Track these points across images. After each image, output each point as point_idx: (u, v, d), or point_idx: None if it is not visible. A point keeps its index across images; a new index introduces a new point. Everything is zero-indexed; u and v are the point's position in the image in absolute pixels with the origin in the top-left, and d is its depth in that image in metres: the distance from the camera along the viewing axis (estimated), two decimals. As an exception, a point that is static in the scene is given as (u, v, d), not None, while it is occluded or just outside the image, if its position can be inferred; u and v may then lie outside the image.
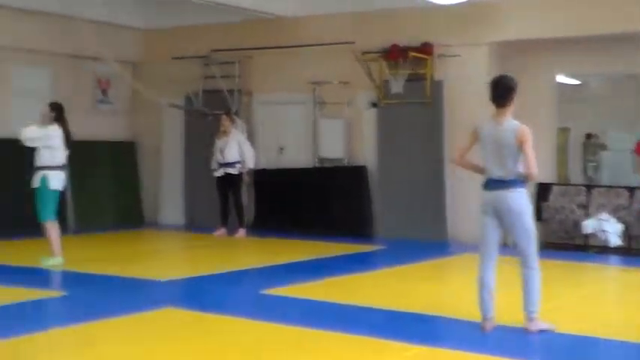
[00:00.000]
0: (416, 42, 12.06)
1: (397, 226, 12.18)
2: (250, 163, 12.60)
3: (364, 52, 12.31)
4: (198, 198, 13.76)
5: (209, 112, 13.46)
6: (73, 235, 12.27)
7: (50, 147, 9.23)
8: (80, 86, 13.75)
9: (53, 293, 7.82)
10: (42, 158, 9.25)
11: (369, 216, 12.51)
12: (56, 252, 9.33)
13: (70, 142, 9.46)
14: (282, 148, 13.53)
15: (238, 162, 12.53)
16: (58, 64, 13.39)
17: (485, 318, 6.34)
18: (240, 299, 7.76)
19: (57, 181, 9.29)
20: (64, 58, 13.43)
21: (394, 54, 12.07)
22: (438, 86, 12.07)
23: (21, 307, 7.12)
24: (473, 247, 11.12)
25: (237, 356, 5.70)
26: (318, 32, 12.89)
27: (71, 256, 9.63)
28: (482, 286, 6.33)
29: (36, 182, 9.26)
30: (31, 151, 9.35)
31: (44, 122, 9.33)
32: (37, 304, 7.28)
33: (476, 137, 6.49)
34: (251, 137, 13.25)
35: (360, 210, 12.51)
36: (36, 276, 8.81)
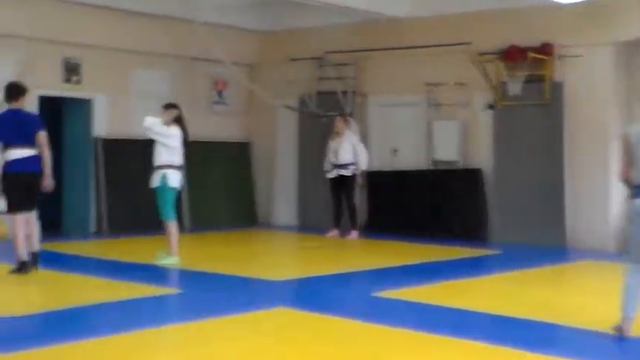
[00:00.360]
0: (535, 42, 11.78)
1: (513, 230, 11.95)
2: (364, 165, 12.59)
3: (481, 53, 12.13)
4: (311, 199, 13.84)
5: (323, 114, 13.51)
6: (189, 234, 12.56)
7: (169, 146, 9.44)
8: (197, 88, 14.07)
9: (169, 290, 8.01)
10: (161, 157, 9.47)
11: (483, 219, 12.33)
12: (173, 251, 9.51)
13: (187, 143, 9.66)
14: (395, 150, 13.46)
15: (352, 164, 12.53)
16: (176, 66, 13.75)
17: (626, 317, 6.06)
18: (352, 301, 7.75)
19: (175, 179, 9.50)
20: (181, 60, 13.78)
21: (512, 55, 11.85)
22: (557, 88, 11.75)
23: (138, 303, 7.33)
24: (593, 253, 10.87)
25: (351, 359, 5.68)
26: (434, 33, 12.75)
27: (187, 255, 9.85)
28: (627, 290, 6.05)
29: (156, 181, 9.48)
30: (151, 150, 9.61)
31: (166, 123, 9.55)
32: (154, 301, 7.47)
33: (628, 143, 6.15)
34: (365, 139, 13.23)
35: (475, 213, 12.34)
36: (153, 273, 9.05)
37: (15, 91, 8.64)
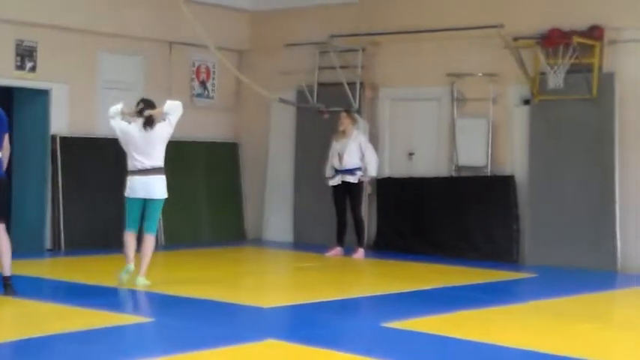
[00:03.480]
0: (581, 25, 11.83)
1: (551, 250, 11.96)
2: (373, 171, 12.60)
3: (516, 38, 12.15)
4: (310, 211, 13.86)
5: (325, 110, 13.52)
6: (163, 251, 12.55)
7: (125, 145, 9.61)
8: (176, 77, 14.10)
9: (138, 319, 8.00)
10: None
11: (515, 237, 12.35)
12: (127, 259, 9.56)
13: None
14: (411, 154, 13.48)
15: (359, 169, 12.55)
16: (151, 51, 13.78)
17: None
18: (357, 333, 7.74)
19: (131, 187, 9.61)
20: (157, 44, 13.81)
21: (554, 40, 11.88)
22: (607, 79, 11.80)
23: (101, 334, 7.30)
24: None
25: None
26: (459, 14, 12.80)
27: (160, 277, 9.86)
28: None
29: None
30: (118, 151, 9.68)
31: (127, 115, 9.68)
32: (120, 331, 7.46)
33: None
34: (375, 139, 13.25)
35: (505, 229, 12.37)
36: (120, 298, 9.06)
37: None
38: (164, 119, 9.60)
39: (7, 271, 8.73)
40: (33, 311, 8.26)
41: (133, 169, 9.55)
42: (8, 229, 12.59)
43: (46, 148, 12.72)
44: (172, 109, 9.60)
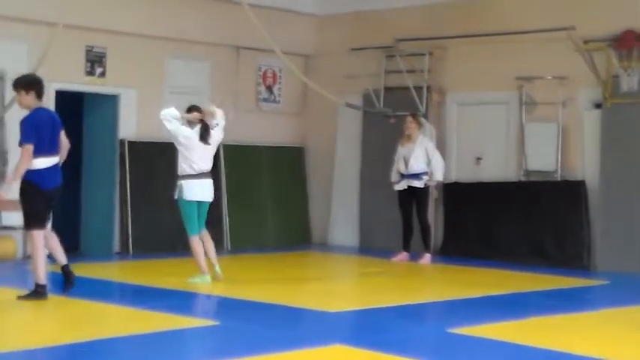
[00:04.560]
0: (655, 27, 11.70)
1: (624, 256, 11.83)
2: (439, 175, 12.52)
3: (587, 41, 12.07)
4: (376, 215, 13.82)
5: (392, 114, 13.50)
6: (228, 256, 12.62)
7: (184, 149, 9.86)
8: (242, 82, 14.17)
9: (204, 322, 8.03)
10: (179, 164, 9.93)
11: (586, 243, 12.22)
12: (202, 269, 9.89)
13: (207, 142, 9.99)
14: (479, 158, 13.38)
15: (425, 173, 12.48)
16: (218, 56, 13.86)
17: None
18: (424, 339, 7.68)
19: (192, 191, 9.84)
20: (224, 49, 13.90)
21: (627, 42, 11.81)
22: (681, 82, 11.62)
23: (166, 336, 7.34)
24: None
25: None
26: (528, 16, 12.69)
27: (226, 280, 9.94)
28: None
29: (175, 193, 9.98)
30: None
31: (185, 120, 9.91)
32: (185, 334, 7.48)
33: None
34: (441, 144, 13.18)
35: (575, 235, 12.24)
36: (185, 301, 9.12)
37: (41, 86, 8.77)
38: (217, 124, 9.98)
39: (63, 260, 8.82)
40: (100, 313, 8.36)
41: (192, 172, 9.80)
42: (77, 234, 12.92)
43: (114, 153, 12.87)
44: (221, 116, 10.06)
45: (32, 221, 8.57)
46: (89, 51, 12.57)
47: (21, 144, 8.49)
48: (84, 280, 9.11)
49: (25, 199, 8.55)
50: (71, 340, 7.03)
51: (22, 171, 8.39)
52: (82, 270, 9.53)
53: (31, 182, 8.46)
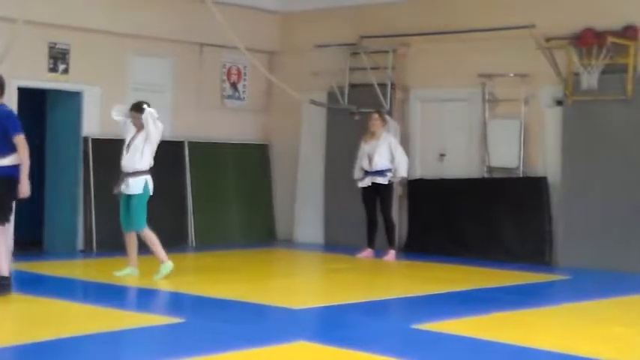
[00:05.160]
0: (615, 24, 11.75)
1: (585, 252, 11.87)
2: (403, 172, 12.56)
3: (548, 38, 12.10)
4: (341, 212, 13.83)
5: (356, 111, 13.51)
6: (193, 253, 12.57)
7: (153, 146, 10.08)
8: (206, 79, 14.12)
9: (169, 319, 8.01)
10: (145, 159, 10.06)
11: (548, 239, 12.28)
12: (163, 257, 10.08)
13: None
14: (442, 155, 13.43)
15: (389, 170, 12.50)
16: (182, 53, 13.81)
17: None
18: (388, 334, 7.71)
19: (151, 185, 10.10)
20: (188, 46, 13.84)
21: (587, 40, 11.82)
22: (642, 80, 11.72)
23: (131, 334, 7.33)
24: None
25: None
26: (490, 14, 12.74)
27: (191, 277, 9.89)
28: None
29: (138, 187, 10.12)
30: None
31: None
32: (151, 332, 7.47)
33: None
34: (405, 141, 13.21)
35: (537, 231, 12.30)
36: (150, 299, 9.10)
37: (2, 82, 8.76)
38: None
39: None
40: (64, 311, 8.30)
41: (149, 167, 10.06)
42: (40, 230, 12.81)
43: (78, 150, 12.77)
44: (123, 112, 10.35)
45: (2, 215, 8.58)
46: (52, 47, 12.46)
47: (14, 135, 8.52)
48: (47, 278, 9.06)
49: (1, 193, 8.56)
50: (34, 339, 6.98)
51: (27, 163, 8.55)
52: (45, 268, 9.49)
53: (10, 177, 8.48)
